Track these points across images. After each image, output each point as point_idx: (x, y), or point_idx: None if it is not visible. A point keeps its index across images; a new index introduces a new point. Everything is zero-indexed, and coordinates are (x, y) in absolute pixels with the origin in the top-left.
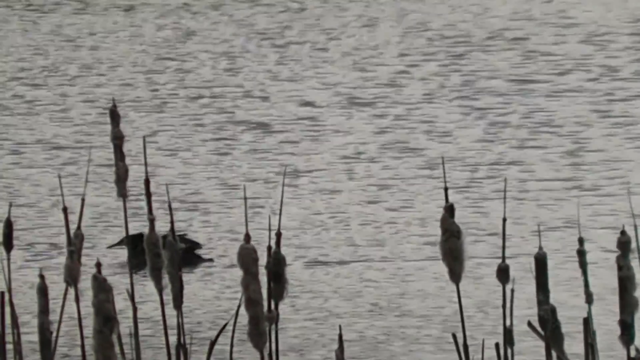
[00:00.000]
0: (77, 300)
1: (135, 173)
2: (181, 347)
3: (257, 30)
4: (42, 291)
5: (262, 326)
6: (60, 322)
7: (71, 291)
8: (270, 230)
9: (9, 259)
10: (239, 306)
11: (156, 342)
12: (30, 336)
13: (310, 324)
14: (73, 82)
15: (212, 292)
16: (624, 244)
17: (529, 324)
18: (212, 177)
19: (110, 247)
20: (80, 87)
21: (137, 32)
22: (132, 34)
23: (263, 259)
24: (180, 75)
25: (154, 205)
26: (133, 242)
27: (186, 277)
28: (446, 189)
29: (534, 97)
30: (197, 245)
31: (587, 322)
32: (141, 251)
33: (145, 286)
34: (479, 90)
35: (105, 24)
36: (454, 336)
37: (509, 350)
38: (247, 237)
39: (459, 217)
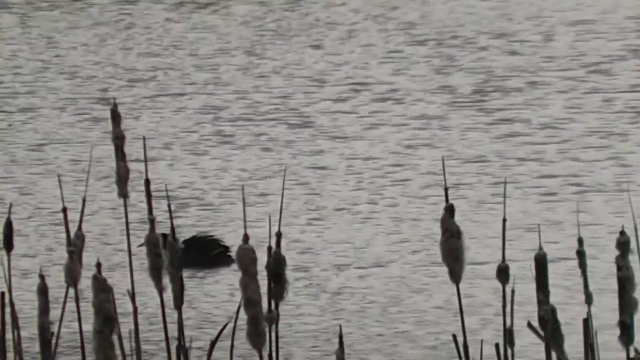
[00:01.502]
0: (77, 300)
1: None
2: (181, 347)
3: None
4: (42, 291)
5: (260, 326)
6: (60, 322)
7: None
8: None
9: (9, 260)
10: (239, 306)
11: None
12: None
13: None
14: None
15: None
16: (623, 244)
17: (529, 324)
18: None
19: (140, 246)
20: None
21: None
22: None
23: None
24: (188, 71)
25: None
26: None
27: (220, 277)
28: (446, 189)
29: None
30: (227, 248)
31: (587, 322)
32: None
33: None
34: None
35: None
36: (454, 336)
37: (509, 350)
38: (246, 238)
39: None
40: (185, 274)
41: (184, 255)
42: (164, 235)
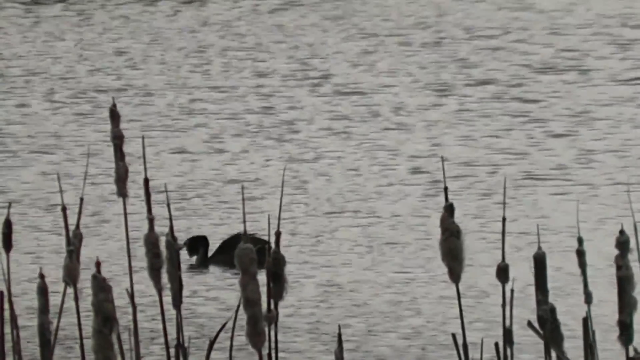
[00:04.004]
0: (76, 300)
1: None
2: (180, 347)
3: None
4: (42, 291)
5: (260, 326)
6: (59, 321)
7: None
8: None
9: (8, 259)
10: (238, 306)
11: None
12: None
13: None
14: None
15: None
16: (622, 243)
17: (529, 323)
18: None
19: (180, 248)
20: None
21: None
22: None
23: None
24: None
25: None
26: (194, 244)
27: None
28: (446, 189)
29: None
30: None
31: (587, 322)
32: (204, 252)
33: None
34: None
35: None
36: (454, 336)
37: (508, 350)
38: (246, 238)
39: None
40: (230, 273)
41: (225, 255)
42: (195, 239)
